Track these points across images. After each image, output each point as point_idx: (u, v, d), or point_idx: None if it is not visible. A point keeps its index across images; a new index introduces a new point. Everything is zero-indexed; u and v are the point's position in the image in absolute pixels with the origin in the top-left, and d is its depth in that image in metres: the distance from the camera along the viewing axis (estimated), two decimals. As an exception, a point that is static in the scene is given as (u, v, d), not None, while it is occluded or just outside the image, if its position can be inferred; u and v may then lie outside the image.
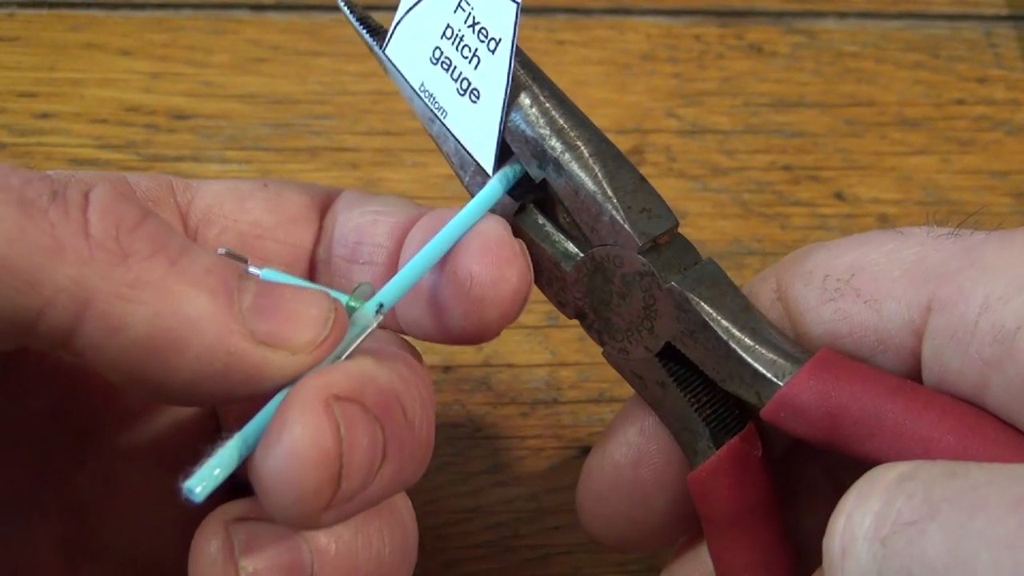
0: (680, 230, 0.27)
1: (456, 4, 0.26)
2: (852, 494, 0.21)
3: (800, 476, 0.28)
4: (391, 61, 0.28)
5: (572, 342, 0.41)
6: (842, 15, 0.52)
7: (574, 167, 0.26)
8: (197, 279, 0.22)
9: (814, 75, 0.49)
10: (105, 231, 0.21)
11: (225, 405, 0.23)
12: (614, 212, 0.26)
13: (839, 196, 0.46)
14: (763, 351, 0.25)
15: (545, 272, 0.28)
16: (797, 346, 0.25)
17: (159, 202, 0.28)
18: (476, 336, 0.26)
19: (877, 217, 0.45)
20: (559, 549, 0.37)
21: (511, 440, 0.39)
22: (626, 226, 0.26)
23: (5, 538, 0.26)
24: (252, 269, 0.25)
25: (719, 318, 0.25)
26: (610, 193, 0.26)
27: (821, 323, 0.26)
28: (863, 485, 0.21)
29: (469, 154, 0.27)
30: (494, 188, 0.27)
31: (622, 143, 0.46)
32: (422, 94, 0.28)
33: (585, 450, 0.39)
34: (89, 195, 0.22)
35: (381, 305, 0.25)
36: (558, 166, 0.26)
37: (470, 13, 0.26)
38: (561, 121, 0.27)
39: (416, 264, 0.26)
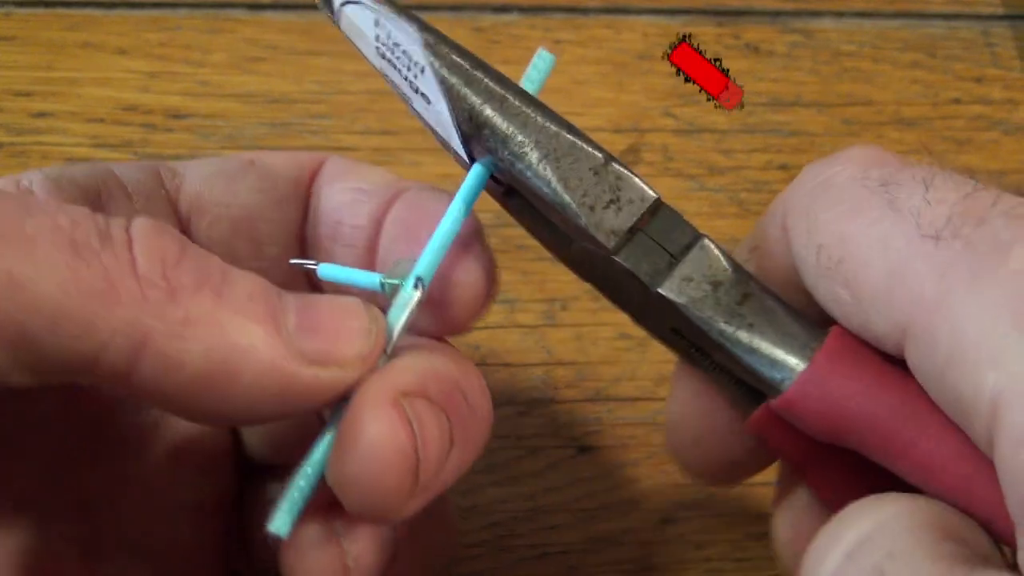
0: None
1: (374, 21, 0.26)
2: (812, 551, 0.21)
3: None
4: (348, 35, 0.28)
5: (568, 342, 0.41)
6: (839, 14, 0.52)
7: (527, 176, 0.25)
8: (242, 307, 0.22)
9: (811, 74, 0.50)
10: (152, 268, 0.22)
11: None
12: (575, 219, 0.24)
13: (836, 195, 0.46)
14: (765, 350, 0.24)
15: (546, 247, 0.27)
16: (803, 325, 0.24)
17: (151, 196, 0.28)
18: (443, 333, 0.27)
19: (874, 216, 0.45)
20: (556, 548, 0.37)
21: (507, 439, 0.39)
22: (590, 230, 0.24)
23: (25, 542, 0.26)
24: (312, 265, 0.26)
25: (713, 322, 0.24)
26: (567, 199, 0.24)
27: (817, 291, 0.25)
28: (822, 540, 0.21)
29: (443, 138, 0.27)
30: (479, 172, 0.26)
31: (619, 142, 0.47)
32: (385, 73, 0.27)
33: (582, 449, 0.39)
34: (131, 231, 0.22)
35: (419, 279, 0.25)
36: (513, 178, 0.25)
37: (389, 32, 0.26)
38: (503, 128, 0.25)
39: (440, 236, 0.26)
